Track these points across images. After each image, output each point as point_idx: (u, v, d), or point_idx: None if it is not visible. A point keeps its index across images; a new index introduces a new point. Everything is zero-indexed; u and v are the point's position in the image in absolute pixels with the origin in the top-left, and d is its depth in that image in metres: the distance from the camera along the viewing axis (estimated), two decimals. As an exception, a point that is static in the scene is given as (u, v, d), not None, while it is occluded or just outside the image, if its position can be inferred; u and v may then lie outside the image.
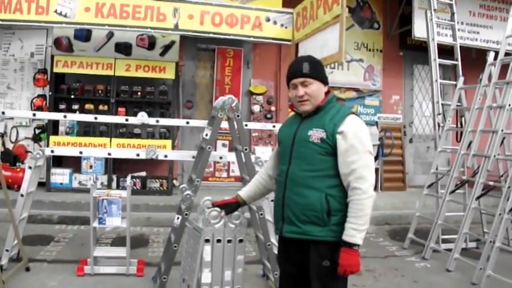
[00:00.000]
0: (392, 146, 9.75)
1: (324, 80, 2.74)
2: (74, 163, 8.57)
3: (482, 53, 7.90)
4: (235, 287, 3.00)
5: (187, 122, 5.41)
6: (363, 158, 2.58)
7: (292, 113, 2.89)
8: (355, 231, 2.51)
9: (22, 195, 4.97)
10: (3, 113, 5.27)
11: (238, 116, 4.36)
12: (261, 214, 4.42)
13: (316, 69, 2.73)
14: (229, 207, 2.98)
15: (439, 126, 6.61)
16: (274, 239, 4.95)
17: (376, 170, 9.81)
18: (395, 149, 9.93)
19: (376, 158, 9.78)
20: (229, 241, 2.93)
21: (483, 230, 6.36)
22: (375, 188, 10.27)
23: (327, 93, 2.75)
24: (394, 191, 9.83)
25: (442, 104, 6.70)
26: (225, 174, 9.39)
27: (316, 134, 2.61)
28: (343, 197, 2.60)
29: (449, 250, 5.67)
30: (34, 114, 5.84)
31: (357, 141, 2.57)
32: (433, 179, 6.48)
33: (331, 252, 2.57)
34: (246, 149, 4.33)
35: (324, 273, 2.62)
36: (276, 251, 4.86)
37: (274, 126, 5.44)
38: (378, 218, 7.73)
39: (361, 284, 5.00)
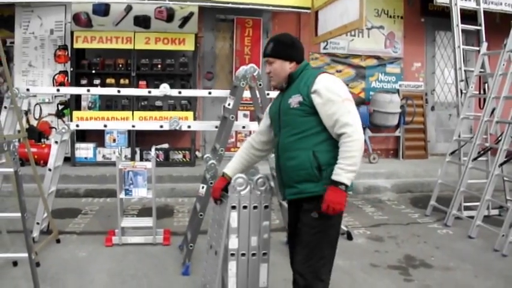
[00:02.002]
0: (414, 114, 9.65)
1: (287, 57, 2.87)
2: (97, 137, 8.70)
3: (506, 18, 7.74)
4: (262, 252, 3.07)
5: (210, 93, 5.42)
6: (342, 106, 2.66)
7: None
8: (342, 171, 2.61)
9: (50, 170, 5.08)
10: (27, 89, 5.36)
11: (260, 84, 4.38)
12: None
13: (278, 49, 2.89)
14: (225, 190, 3.14)
15: (461, 93, 6.53)
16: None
17: (398, 138, 9.86)
18: (417, 116, 9.84)
19: (397, 126, 9.75)
20: (255, 207, 2.98)
21: (506, 197, 6.32)
22: (396, 155, 10.17)
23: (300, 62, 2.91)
24: (415, 159, 9.81)
25: (465, 71, 6.60)
26: (247, 145, 9.42)
27: (294, 100, 2.76)
28: (333, 151, 2.70)
29: (472, 217, 5.67)
30: (58, 90, 5.95)
31: (331, 94, 2.67)
32: (456, 146, 6.45)
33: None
34: (268, 118, 4.35)
35: (311, 224, 2.74)
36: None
37: (295, 96, 5.44)
38: (400, 186, 7.75)
39: (384, 249, 5.06)
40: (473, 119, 6.91)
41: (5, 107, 5.12)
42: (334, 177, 2.62)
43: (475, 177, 6.23)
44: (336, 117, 2.64)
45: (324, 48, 9.82)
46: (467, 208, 6.23)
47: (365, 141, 9.25)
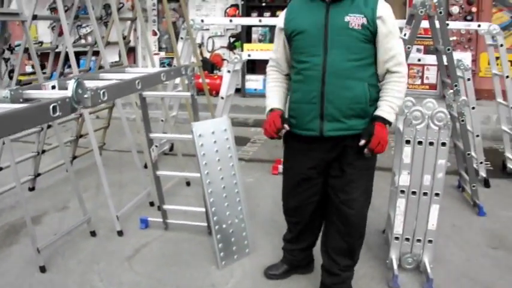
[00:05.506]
0: None
1: None
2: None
3: None
4: (434, 192, 2.87)
5: (383, 23, 5.10)
6: (399, 43, 2.55)
7: None
8: (392, 110, 2.49)
9: (222, 98, 5.26)
10: (202, 20, 5.58)
11: (441, 13, 3.98)
12: (462, 121, 4.11)
13: None
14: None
15: None
16: (473, 151, 4.62)
17: None
18: None
19: None
20: (430, 143, 2.77)
21: None
22: None
23: None
24: None
25: None
26: (418, 82, 8.91)
27: (356, 20, 2.43)
28: (379, 86, 2.57)
29: None
30: (231, 20, 6.13)
31: (393, 26, 2.49)
32: None
33: None
34: (448, 50, 3.98)
35: (363, 164, 2.60)
36: (474, 163, 4.55)
37: (479, 26, 4.89)
38: None
39: None
40: None
41: (181, 38, 5.42)
42: (384, 114, 2.48)
43: None
44: (393, 53, 2.48)
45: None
46: None
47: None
